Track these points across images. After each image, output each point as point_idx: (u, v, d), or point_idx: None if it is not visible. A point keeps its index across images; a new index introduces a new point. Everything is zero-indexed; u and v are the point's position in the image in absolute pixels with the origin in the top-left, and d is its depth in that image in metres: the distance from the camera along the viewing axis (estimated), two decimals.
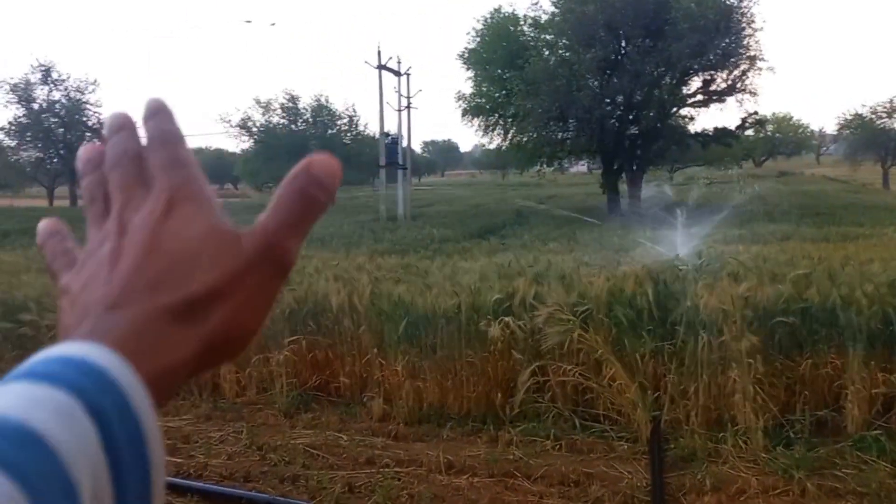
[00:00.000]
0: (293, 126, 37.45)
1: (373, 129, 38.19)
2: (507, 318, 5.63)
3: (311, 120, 37.81)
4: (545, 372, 5.57)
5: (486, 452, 4.94)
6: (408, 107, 25.50)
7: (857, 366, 5.12)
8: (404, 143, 26.40)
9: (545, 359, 5.57)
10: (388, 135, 24.98)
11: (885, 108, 41.10)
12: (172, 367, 0.36)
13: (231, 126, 37.12)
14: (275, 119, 37.26)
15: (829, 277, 6.28)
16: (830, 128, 52.83)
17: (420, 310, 6.16)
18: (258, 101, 38.19)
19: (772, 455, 4.59)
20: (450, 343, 5.85)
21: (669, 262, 8.31)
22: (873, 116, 41.61)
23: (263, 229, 0.40)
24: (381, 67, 23.76)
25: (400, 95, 25.28)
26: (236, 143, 50.19)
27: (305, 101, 38.98)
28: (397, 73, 24.89)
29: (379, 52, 23.82)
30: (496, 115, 28.27)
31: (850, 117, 44.05)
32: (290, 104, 37.45)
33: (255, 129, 36.79)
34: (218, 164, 63.11)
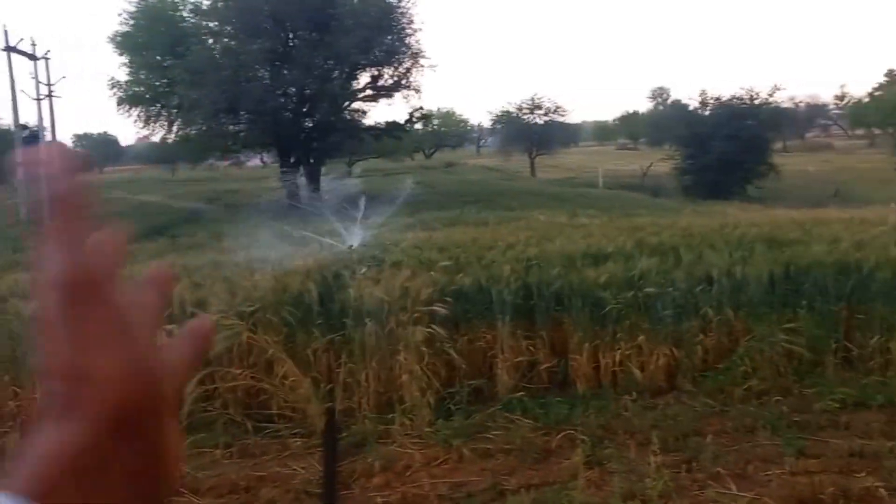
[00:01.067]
0: None
1: (8, 120, 33.12)
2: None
3: None
4: (214, 378, 5.28)
5: None
6: (49, 95, 22.47)
7: (505, 337, 5.70)
8: (48, 137, 23.23)
9: (213, 365, 5.28)
10: (25, 127, 21.75)
11: (528, 105, 47.16)
12: None
13: None
14: None
15: (478, 259, 6.92)
16: (487, 122, 59.00)
17: None
18: None
19: (435, 428, 4.89)
20: None
21: (341, 254, 8.48)
22: (519, 112, 47.48)
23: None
24: (9, 49, 20.53)
25: (38, 82, 22.16)
26: None
27: None
28: (32, 57, 21.75)
29: (6, 32, 20.58)
30: (158, 105, 26.28)
31: (500, 113, 49.75)
32: None
33: None
34: None
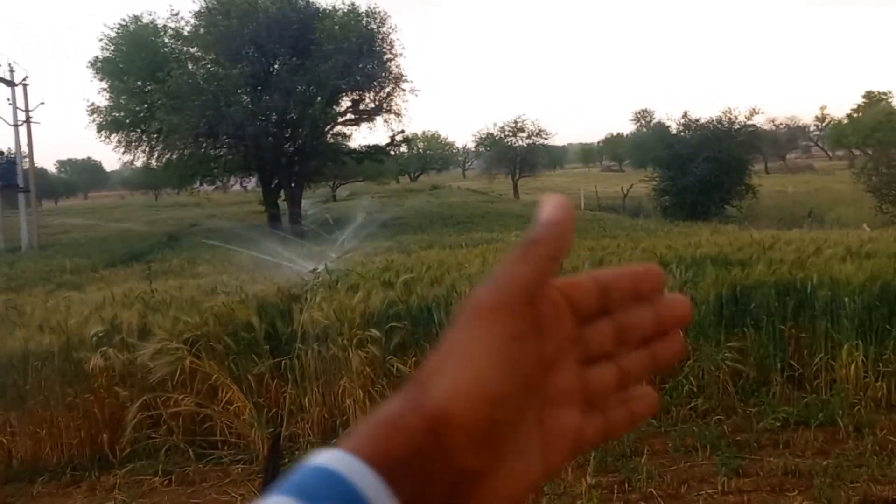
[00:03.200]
0: None
1: None
2: (109, 351, 5.19)
3: None
4: (158, 405, 5.25)
5: (83, 503, 4.47)
6: (27, 121, 22.42)
7: None
8: (26, 163, 23.16)
9: (157, 391, 5.25)
10: (1, 154, 21.71)
11: (510, 127, 47.43)
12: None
13: None
14: None
15: (435, 282, 6.92)
16: (472, 145, 59.33)
17: (7, 353, 5.41)
18: None
19: None
20: (44, 387, 5.21)
21: (303, 278, 8.46)
22: (502, 135, 47.73)
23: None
24: None
25: (16, 108, 22.12)
26: None
27: None
28: (10, 83, 21.74)
29: None
30: (138, 130, 26.27)
31: (483, 135, 50.01)
32: None
33: None
34: None
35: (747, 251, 8.31)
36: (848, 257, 6.92)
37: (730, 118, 30.73)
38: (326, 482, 0.33)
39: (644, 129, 65.05)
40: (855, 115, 63.00)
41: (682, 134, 32.04)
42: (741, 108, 49.94)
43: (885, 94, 65.33)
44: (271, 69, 26.99)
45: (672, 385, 5.46)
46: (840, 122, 68.02)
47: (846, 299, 5.65)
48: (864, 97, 66.07)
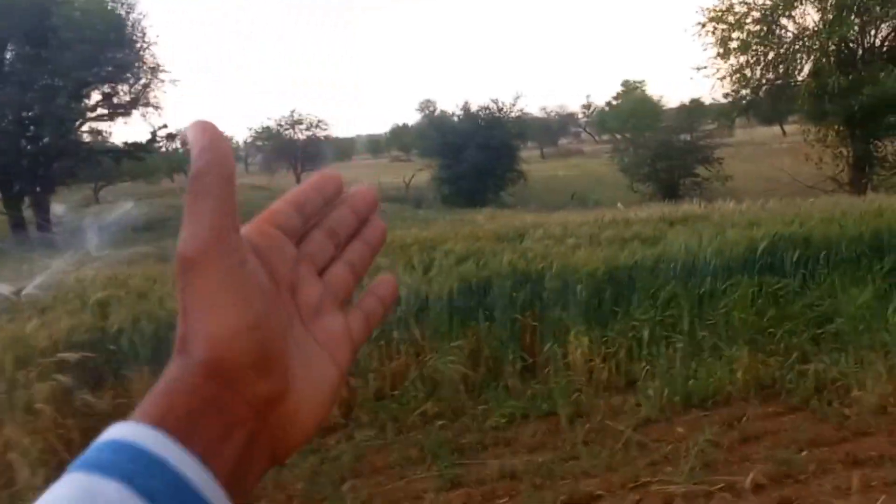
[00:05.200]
0: None
1: None
2: None
3: None
4: None
5: None
6: None
7: (149, 387, 4.92)
8: None
9: None
10: None
11: (287, 121, 46.05)
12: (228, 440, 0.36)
13: None
14: None
15: (139, 297, 6.06)
16: (251, 139, 56.80)
17: None
18: None
19: None
20: None
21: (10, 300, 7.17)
22: (280, 128, 46.24)
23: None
24: None
25: None
26: None
27: None
28: None
29: None
30: None
31: (260, 130, 48.15)
32: None
33: None
34: None
35: (499, 239, 8.31)
36: (584, 243, 7.07)
37: (498, 106, 32.02)
38: (115, 451, 0.33)
39: (427, 119, 66.33)
40: (614, 101, 69.03)
41: (460, 123, 32.88)
42: (508, 96, 52.51)
43: (639, 82, 72.14)
44: (2, 60, 23.70)
45: (400, 392, 5.12)
46: (603, 109, 74.15)
47: (577, 286, 5.67)
48: (622, 86, 72.49)
